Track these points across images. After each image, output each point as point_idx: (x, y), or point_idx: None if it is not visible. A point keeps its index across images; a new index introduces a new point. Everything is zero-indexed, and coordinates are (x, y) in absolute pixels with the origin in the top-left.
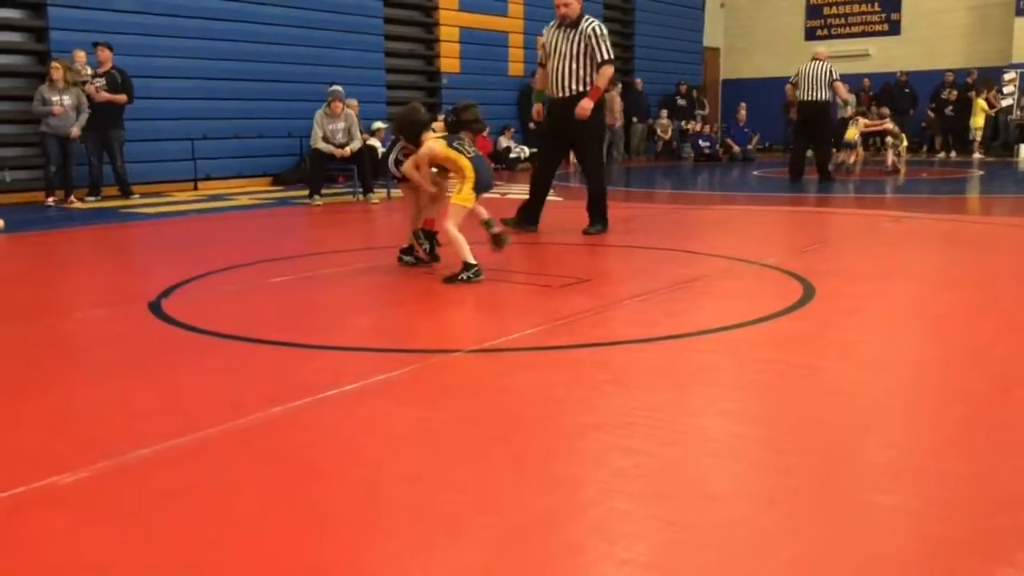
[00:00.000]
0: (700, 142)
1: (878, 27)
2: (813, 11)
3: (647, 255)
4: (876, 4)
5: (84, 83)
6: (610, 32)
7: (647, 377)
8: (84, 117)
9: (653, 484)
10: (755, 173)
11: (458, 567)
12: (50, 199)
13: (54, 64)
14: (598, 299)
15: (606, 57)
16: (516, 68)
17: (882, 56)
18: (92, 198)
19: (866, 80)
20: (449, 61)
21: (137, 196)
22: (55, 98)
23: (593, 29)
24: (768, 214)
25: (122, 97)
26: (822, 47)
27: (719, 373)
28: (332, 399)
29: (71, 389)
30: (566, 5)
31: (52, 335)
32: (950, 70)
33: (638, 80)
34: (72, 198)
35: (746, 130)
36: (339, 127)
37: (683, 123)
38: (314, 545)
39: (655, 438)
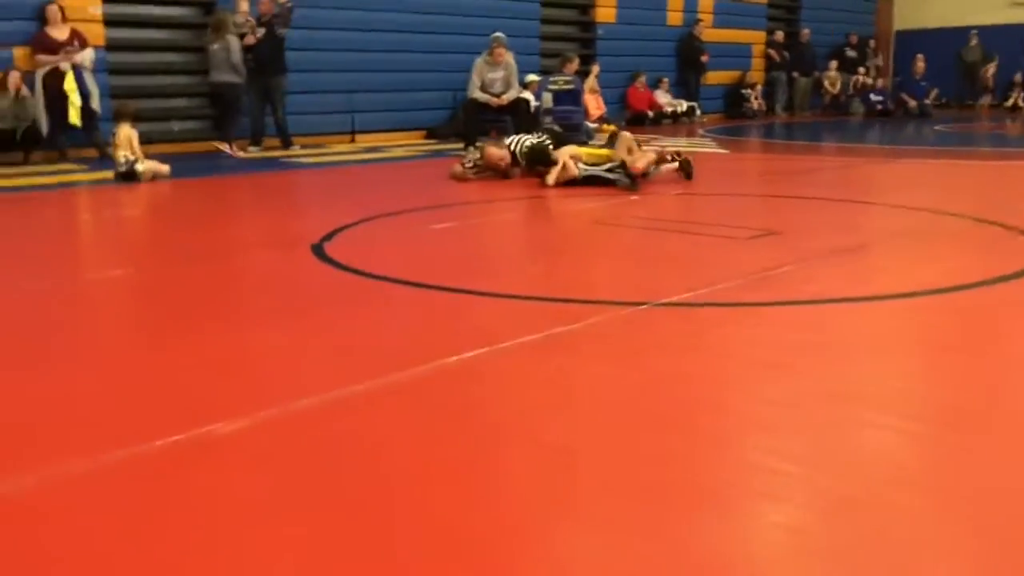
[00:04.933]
0: (872, 96)
1: None
2: None
3: (837, 208)
4: None
5: (245, 34)
6: None
7: (866, 341)
8: (237, 60)
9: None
10: (936, 127)
11: (647, 540)
12: (223, 146)
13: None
14: (795, 253)
15: None
16: (675, 17)
17: None
18: (254, 148)
19: None
20: (605, 11)
21: (297, 147)
22: (215, 46)
23: None
24: (964, 167)
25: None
26: None
27: (953, 338)
28: (511, 351)
29: (239, 333)
30: None
31: (220, 277)
32: None
33: (805, 30)
34: (234, 147)
35: (923, 84)
36: (498, 76)
37: (853, 76)
38: (485, 514)
39: (896, 412)
